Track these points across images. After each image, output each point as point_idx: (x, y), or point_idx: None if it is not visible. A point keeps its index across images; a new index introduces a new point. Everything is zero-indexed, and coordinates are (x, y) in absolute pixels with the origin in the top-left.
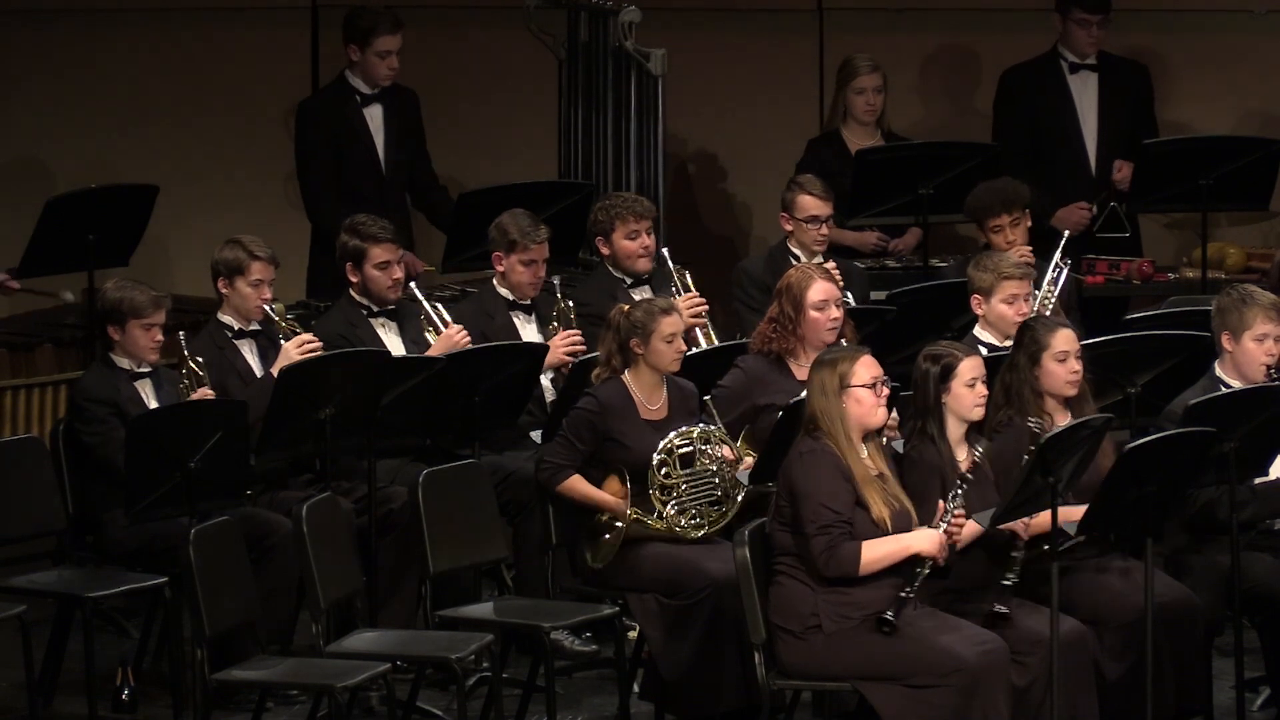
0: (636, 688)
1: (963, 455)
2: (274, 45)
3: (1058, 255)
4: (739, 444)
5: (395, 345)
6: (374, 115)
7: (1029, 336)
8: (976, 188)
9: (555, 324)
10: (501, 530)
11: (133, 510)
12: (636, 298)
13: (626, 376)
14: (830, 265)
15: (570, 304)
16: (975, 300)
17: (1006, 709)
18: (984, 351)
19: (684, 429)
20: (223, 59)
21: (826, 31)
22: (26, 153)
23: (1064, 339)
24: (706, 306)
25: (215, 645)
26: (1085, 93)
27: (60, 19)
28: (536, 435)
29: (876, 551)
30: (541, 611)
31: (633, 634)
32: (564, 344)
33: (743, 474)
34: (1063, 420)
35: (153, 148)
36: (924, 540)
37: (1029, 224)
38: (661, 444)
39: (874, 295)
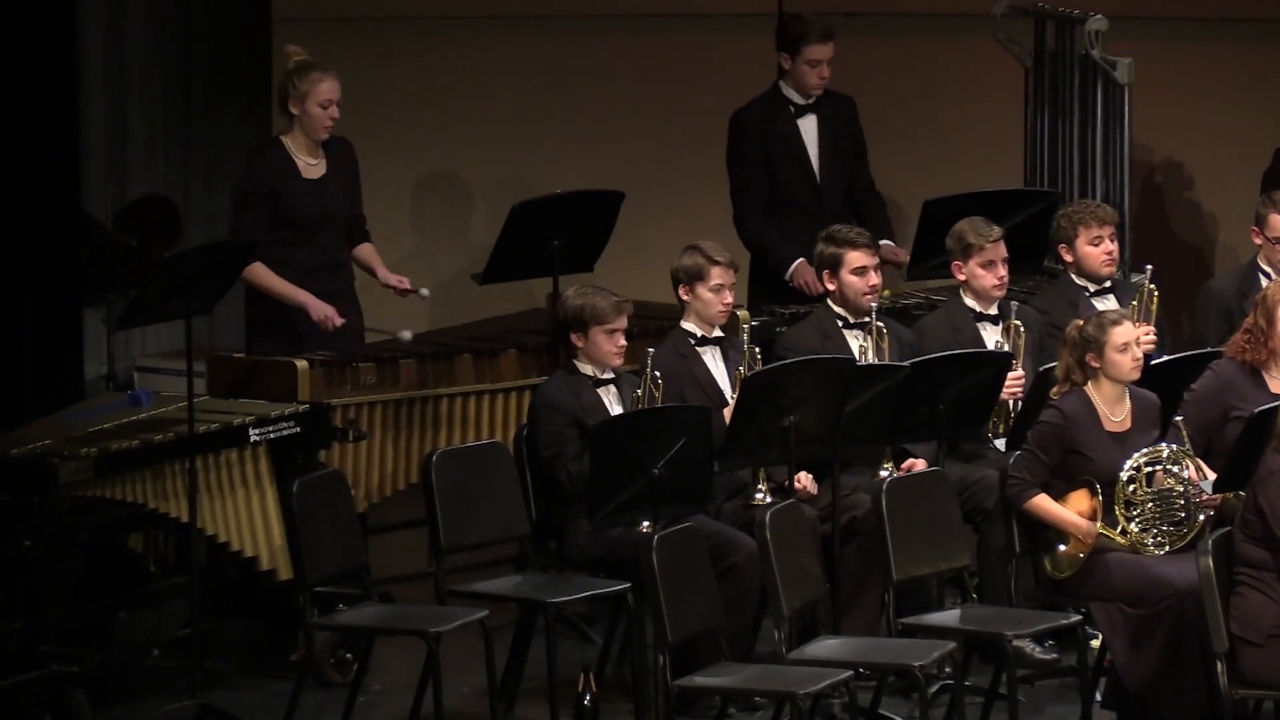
0: (1099, 696)
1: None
2: (737, 52)
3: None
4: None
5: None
6: (808, 126)
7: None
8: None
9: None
10: (965, 538)
11: (596, 516)
12: (1099, 307)
13: (1089, 389)
14: None
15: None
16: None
17: None
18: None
19: (1152, 448)
20: (686, 65)
21: None
22: (493, 159)
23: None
24: (1155, 344)
25: (677, 652)
26: None
27: (531, 24)
28: (1000, 444)
29: None
30: (1004, 619)
31: (1095, 643)
32: (1011, 385)
33: (1206, 484)
34: None
35: (614, 153)
36: None
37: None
38: (1129, 463)
39: None
